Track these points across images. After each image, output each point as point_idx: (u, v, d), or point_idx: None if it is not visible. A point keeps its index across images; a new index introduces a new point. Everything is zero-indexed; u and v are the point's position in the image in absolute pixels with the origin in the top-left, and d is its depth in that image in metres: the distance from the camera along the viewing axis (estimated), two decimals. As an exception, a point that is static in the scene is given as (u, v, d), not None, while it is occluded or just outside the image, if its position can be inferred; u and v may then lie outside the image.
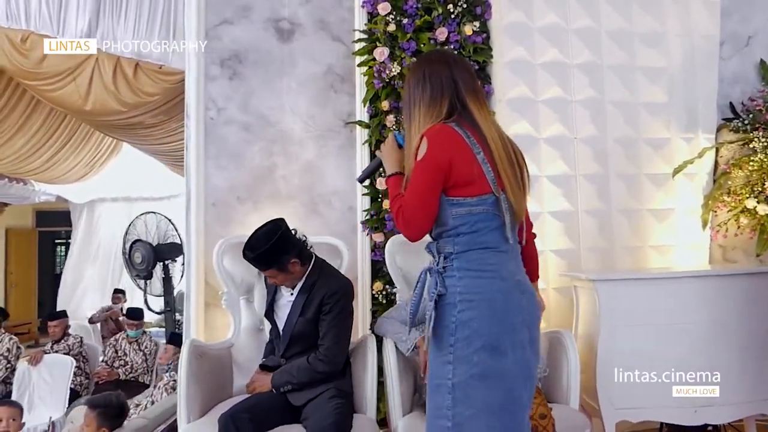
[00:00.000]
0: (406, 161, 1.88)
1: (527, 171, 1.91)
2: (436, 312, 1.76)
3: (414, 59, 3.54)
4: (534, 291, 1.90)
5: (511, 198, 1.80)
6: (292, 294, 2.75)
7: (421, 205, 1.75)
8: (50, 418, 3.77)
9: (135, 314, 5.64)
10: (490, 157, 1.78)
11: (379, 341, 2.95)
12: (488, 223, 1.77)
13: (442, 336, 1.77)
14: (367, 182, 3.57)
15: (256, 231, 2.68)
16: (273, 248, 2.57)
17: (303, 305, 2.69)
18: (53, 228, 11.54)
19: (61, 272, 11.78)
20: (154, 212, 5.98)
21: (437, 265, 1.80)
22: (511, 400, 1.73)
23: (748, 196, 3.82)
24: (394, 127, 3.51)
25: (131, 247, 5.41)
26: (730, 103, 4.11)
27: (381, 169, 2.06)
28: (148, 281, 5.36)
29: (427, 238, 1.86)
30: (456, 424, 1.72)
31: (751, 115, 3.96)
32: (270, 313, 2.84)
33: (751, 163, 3.83)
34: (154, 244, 5.43)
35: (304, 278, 2.72)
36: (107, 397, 3.25)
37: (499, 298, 1.75)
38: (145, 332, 5.58)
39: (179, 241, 5.80)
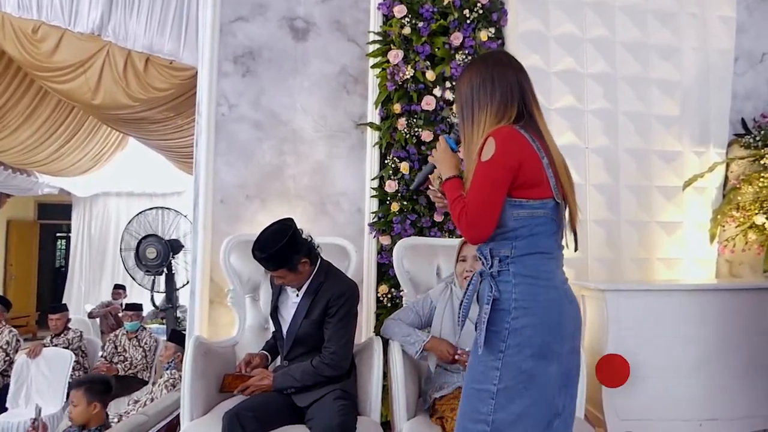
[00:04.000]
0: (468, 163, 1.81)
1: None
2: (489, 317, 1.73)
3: (428, 62, 3.54)
4: (577, 299, 1.87)
5: (572, 206, 1.81)
6: (297, 295, 2.71)
7: (486, 206, 1.69)
8: (36, 405, 3.59)
9: (133, 306, 5.63)
10: (552, 164, 1.77)
11: (385, 343, 2.93)
12: (546, 227, 1.74)
13: (492, 342, 1.73)
14: (375, 183, 3.56)
15: (265, 230, 2.63)
16: (284, 248, 2.53)
17: (308, 307, 2.65)
18: (55, 221, 11.52)
19: (61, 266, 11.79)
20: (164, 207, 5.96)
21: (490, 268, 1.77)
22: (551, 408, 1.72)
23: (757, 212, 3.82)
24: (405, 130, 3.50)
25: (141, 242, 5.38)
26: (742, 119, 4.11)
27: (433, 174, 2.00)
28: (157, 277, 5.34)
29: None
30: (495, 429, 1.69)
31: (762, 132, 3.96)
32: (274, 313, 2.81)
33: (761, 180, 3.83)
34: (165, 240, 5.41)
35: (309, 280, 2.69)
36: (89, 374, 3.24)
37: (553, 307, 1.73)
38: (144, 328, 5.56)
39: (179, 238, 5.80)
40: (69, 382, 4.86)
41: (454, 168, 1.87)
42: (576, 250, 1.87)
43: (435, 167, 1.97)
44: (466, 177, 1.79)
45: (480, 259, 1.82)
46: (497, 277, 1.75)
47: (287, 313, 2.74)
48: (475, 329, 1.77)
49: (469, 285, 1.84)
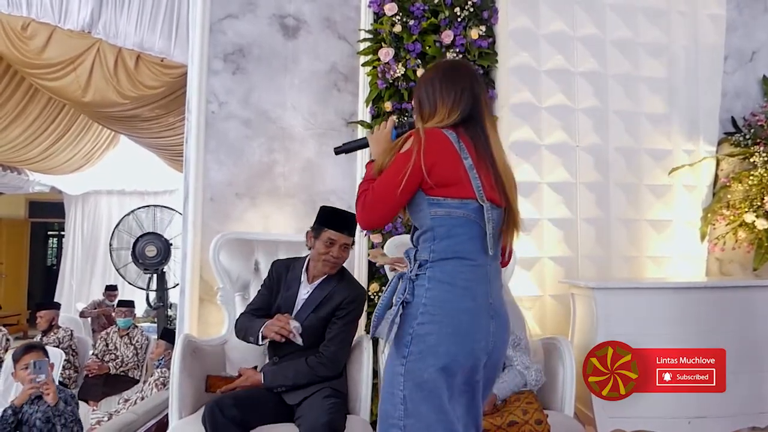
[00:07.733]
0: (391, 152, 1.79)
1: None
2: (399, 320, 1.72)
3: (418, 60, 3.54)
4: (506, 315, 1.83)
5: (514, 213, 1.77)
6: (307, 292, 2.72)
7: (385, 197, 1.72)
8: (34, 363, 3.26)
9: (126, 303, 5.61)
10: (480, 167, 1.74)
11: (375, 342, 2.94)
12: (467, 229, 1.72)
13: (398, 346, 1.73)
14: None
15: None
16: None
17: (319, 302, 2.67)
18: (46, 219, 11.45)
19: (53, 264, 11.73)
20: (158, 206, 5.96)
21: (410, 272, 1.75)
22: (454, 420, 1.71)
23: (746, 210, 3.83)
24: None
25: (138, 240, 5.38)
26: (732, 117, 4.11)
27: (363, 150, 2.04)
28: (152, 276, 5.34)
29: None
30: None
31: (752, 130, 3.97)
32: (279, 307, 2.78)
33: (750, 178, 3.83)
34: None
35: (325, 275, 2.71)
36: (28, 343, 3.71)
37: (464, 318, 1.70)
38: (136, 326, 5.54)
39: (174, 235, 5.79)
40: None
41: (382, 153, 1.85)
42: (507, 263, 1.86)
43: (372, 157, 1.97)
44: (381, 163, 1.80)
45: (406, 261, 1.82)
46: (415, 281, 1.73)
47: (292, 308, 2.73)
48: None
49: (387, 286, 1.81)
